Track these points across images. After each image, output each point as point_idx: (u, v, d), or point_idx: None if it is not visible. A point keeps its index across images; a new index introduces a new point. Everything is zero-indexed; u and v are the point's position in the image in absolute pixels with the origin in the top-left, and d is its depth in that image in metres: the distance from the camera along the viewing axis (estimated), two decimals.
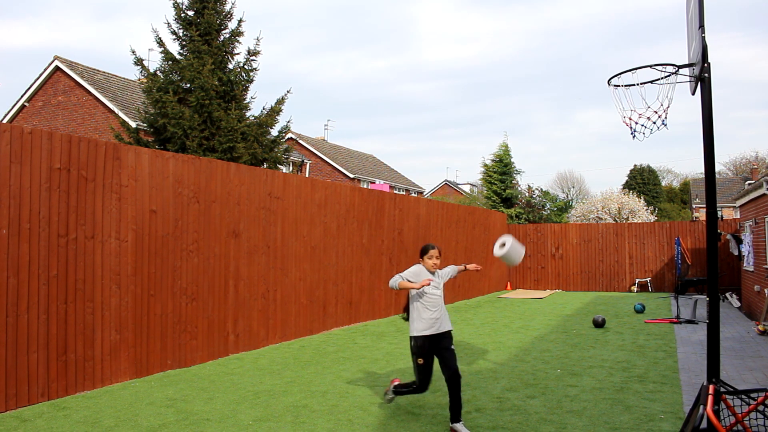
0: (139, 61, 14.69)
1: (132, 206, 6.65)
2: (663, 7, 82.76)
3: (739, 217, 16.36)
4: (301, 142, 34.55)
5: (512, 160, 24.60)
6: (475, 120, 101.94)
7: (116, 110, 19.43)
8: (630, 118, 4.73)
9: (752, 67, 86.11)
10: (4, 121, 20.38)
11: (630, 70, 4.62)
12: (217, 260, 7.80)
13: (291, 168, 27.94)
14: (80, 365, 6.01)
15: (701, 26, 4.13)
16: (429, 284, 4.90)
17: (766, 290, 10.84)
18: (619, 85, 4.72)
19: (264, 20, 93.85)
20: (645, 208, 28.62)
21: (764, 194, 11.11)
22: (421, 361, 4.94)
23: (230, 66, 15.44)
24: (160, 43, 14.89)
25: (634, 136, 4.77)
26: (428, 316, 4.94)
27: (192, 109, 14.35)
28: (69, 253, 5.93)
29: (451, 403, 4.79)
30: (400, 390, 5.25)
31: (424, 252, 5.13)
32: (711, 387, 3.92)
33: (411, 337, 4.99)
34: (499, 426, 4.90)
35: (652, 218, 29.01)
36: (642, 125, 4.71)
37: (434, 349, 4.94)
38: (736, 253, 15.48)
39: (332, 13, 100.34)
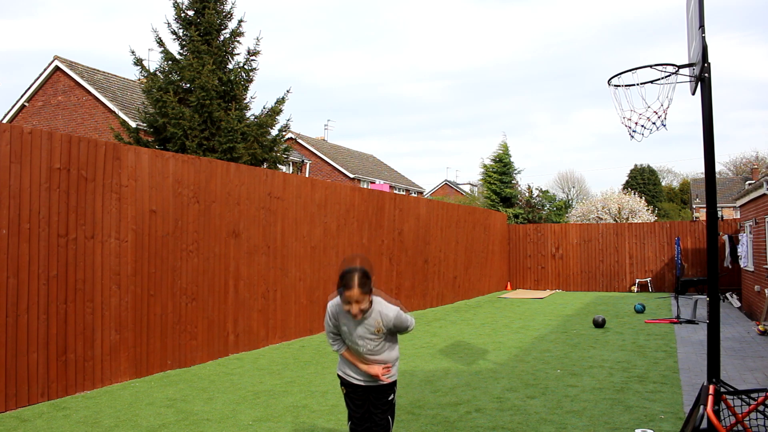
0: (138, 61, 14.69)
1: (132, 206, 6.65)
2: (663, 7, 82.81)
3: (739, 217, 16.36)
4: (301, 142, 34.54)
5: (512, 159, 24.62)
6: (474, 120, 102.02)
7: (116, 110, 19.42)
8: (629, 119, 4.72)
9: (752, 67, 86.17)
10: (4, 121, 20.39)
11: (630, 70, 4.62)
12: (217, 260, 7.80)
13: (291, 168, 27.95)
14: (80, 365, 6.01)
15: (701, 26, 4.13)
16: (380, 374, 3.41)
17: (766, 290, 10.84)
18: (619, 85, 4.72)
19: (264, 20, 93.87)
20: (645, 208, 28.62)
21: (764, 194, 11.10)
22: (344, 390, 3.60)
23: (230, 66, 15.43)
24: (160, 43, 14.89)
25: (632, 137, 4.77)
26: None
27: (192, 109, 14.35)
28: (69, 253, 5.93)
29: None
30: None
31: (341, 285, 3.24)
32: (711, 387, 3.92)
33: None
34: (499, 426, 4.90)
35: (653, 218, 29.01)
36: (642, 126, 4.71)
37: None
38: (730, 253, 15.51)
39: (332, 13, 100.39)
